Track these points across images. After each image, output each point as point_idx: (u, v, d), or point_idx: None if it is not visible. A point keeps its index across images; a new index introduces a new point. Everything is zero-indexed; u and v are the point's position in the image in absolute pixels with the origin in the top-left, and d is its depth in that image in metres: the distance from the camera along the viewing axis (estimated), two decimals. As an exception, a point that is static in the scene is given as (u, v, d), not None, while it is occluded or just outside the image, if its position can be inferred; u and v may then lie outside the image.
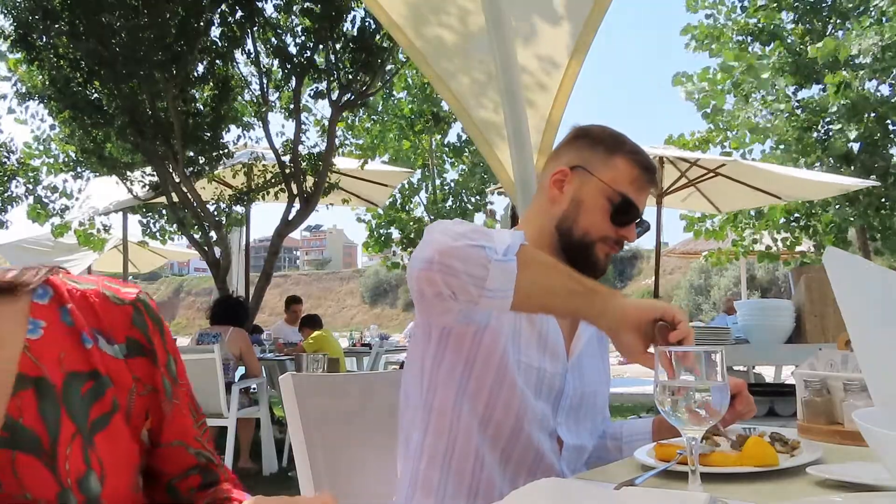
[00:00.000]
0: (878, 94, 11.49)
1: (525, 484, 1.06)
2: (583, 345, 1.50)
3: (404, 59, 9.32)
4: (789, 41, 12.02)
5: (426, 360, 1.40)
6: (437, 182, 16.58)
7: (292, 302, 9.03)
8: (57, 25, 7.02)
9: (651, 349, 1.11)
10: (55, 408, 0.78)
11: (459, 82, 3.00)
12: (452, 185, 16.69)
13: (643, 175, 1.49)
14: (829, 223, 11.20)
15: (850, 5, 11.58)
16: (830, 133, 11.18)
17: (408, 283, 1.30)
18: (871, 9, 11.15)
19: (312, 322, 7.76)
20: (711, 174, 6.74)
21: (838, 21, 11.82)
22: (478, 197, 16.38)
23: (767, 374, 4.92)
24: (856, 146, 11.51)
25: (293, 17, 8.37)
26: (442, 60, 2.98)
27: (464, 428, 1.37)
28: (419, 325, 1.42)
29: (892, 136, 11.55)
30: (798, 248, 11.86)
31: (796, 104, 11.83)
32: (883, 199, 11.10)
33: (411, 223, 15.35)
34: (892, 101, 11.37)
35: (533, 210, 1.56)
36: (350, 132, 14.66)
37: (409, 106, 15.63)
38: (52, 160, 10.40)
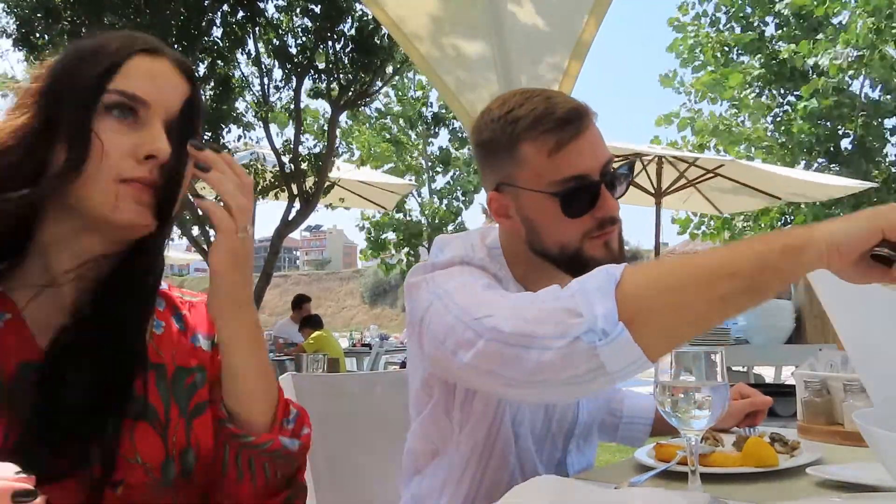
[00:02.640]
0: (865, 96, 11.59)
1: None
2: None
3: (404, 58, 9.34)
4: (773, 47, 12.10)
5: (452, 418, 1.27)
6: (430, 186, 16.79)
7: (303, 301, 8.91)
8: (59, 25, 7.03)
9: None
10: (167, 391, 0.91)
11: (457, 80, 3.00)
12: (444, 187, 16.87)
13: (559, 135, 1.15)
14: (802, 222, 11.28)
15: (821, 15, 11.65)
16: (818, 134, 11.25)
17: (426, 348, 1.13)
18: (835, 21, 11.33)
19: (313, 322, 7.75)
20: (711, 174, 6.73)
21: (813, 29, 11.89)
22: (464, 197, 16.51)
23: (767, 374, 4.92)
24: (843, 148, 11.60)
25: (294, 17, 8.38)
26: (441, 60, 2.99)
27: (491, 472, 1.28)
28: (434, 378, 1.27)
29: (884, 136, 11.61)
30: None
31: (780, 110, 11.93)
32: (874, 200, 11.15)
33: (406, 226, 15.47)
34: (879, 101, 11.46)
35: (503, 234, 1.30)
36: (348, 138, 14.85)
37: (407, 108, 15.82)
38: None
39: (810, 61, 10.81)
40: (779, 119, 11.82)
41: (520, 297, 1.04)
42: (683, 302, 0.90)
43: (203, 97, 0.94)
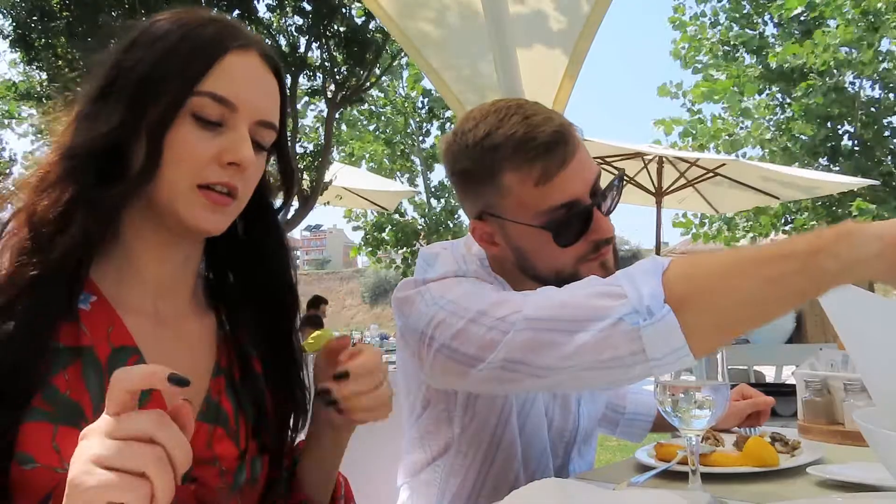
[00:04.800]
0: (864, 95, 11.58)
1: None
2: None
3: (396, 52, 9.37)
4: (771, 48, 12.10)
5: (453, 424, 1.25)
6: (426, 184, 16.74)
7: (319, 302, 8.56)
8: (54, 25, 7.03)
9: None
10: (234, 396, 0.90)
11: (454, 75, 2.99)
12: (439, 186, 16.84)
13: (545, 163, 1.09)
14: (803, 224, 11.31)
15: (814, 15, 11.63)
16: (820, 134, 11.26)
17: (426, 361, 1.09)
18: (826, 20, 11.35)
19: (313, 322, 7.74)
20: (711, 174, 6.72)
21: (807, 31, 11.88)
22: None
23: (768, 373, 4.92)
24: (843, 146, 11.61)
25: (285, 16, 8.42)
26: (436, 53, 2.97)
27: (494, 474, 1.26)
28: (434, 389, 1.24)
29: (886, 136, 11.61)
30: None
31: (782, 110, 11.94)
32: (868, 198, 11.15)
33: (402, 225, 15.47)
34: (878, 99, 11.46)
35: (493, 258, 1.24)
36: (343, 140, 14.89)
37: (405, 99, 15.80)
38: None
39: (801, 60, 10.83)
40: (779, 120, 11.82)
41: (549, 288, 1.01)
42: (734, 284, 0.86)
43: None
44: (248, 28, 0.93)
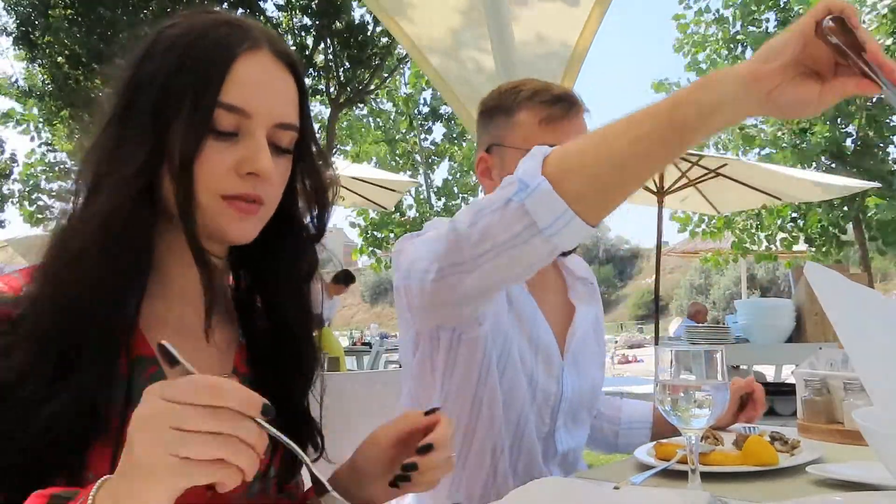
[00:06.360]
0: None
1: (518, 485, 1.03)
2: (578, 338, 1.44)
3: (402, 56, 9.36)
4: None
5: (435, 372, 1.32)
6: (427, 182, 16.70)
7: (350, 279, 8.36)
8: (55, 20, 7.04)
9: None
10: None
11: (457, 77, 2.99)
12: (441, 184, 16.81)
13: (552, 109, 1.34)
14: (817, 222, 11.29)
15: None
16: (820, 134, 11.23)
17: (410, 299, 1.20)
18: None
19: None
20: (712, 174, 6.70)
21: None
22: (464, 195, 16.43)
23: (767, 373, 4.92)
24: (847, 148, 11.58)
25: (293, 15, 8.43)
26: (437, 52, 2.98)
27: (480, 434, 1.31)
28: (421, 335, 1.33)
29: (887, 136, 11.59)
30: (795, 248, 11.90)
31: None
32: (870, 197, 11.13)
33: (404, 224, 15.44)
34: (881, 98, 11.41)
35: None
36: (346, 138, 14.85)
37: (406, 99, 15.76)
38: (46, 168, 10.63)
39: None
40: (792, 121, 11.82)
41: None
42: (604, 149, 0.93)
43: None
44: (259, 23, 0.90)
